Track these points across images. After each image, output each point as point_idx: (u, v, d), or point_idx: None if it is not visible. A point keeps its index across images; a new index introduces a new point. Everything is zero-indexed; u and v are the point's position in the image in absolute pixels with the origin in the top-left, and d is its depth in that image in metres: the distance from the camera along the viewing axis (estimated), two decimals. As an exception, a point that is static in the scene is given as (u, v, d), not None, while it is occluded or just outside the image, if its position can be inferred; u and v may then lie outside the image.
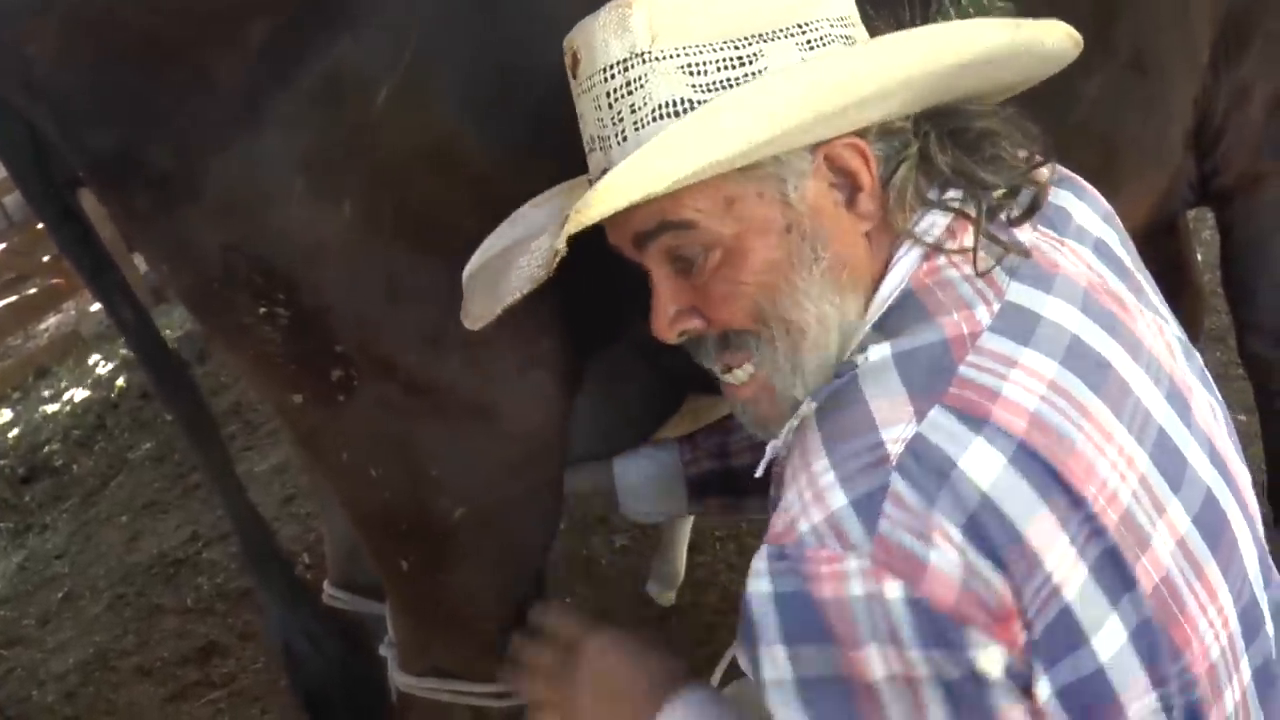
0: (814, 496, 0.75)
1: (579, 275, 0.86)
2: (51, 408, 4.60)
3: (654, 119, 0.81)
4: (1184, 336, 0.96)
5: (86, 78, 0.95)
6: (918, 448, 0.73)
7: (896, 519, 0.72)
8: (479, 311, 0.90)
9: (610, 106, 0.83)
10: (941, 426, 0.74)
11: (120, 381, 4.59)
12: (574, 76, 0.86)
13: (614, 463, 1.34)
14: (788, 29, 0.82)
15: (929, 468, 0.73)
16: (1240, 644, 0.82)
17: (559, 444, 1.17)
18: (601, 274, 0.93)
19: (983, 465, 0.72)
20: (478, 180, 1.00)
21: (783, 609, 0.75)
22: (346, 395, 1.05)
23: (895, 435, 0.74)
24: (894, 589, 0.71)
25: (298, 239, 0.98)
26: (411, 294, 1.01)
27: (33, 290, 5.17)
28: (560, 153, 0.95)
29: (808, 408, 0.83)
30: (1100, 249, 0.93)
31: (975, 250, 0.82)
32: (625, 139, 0.82)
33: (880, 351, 0.80)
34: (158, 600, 2.98)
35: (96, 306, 3.88)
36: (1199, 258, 2.17)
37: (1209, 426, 0.88)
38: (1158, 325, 0.91)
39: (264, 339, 1.02)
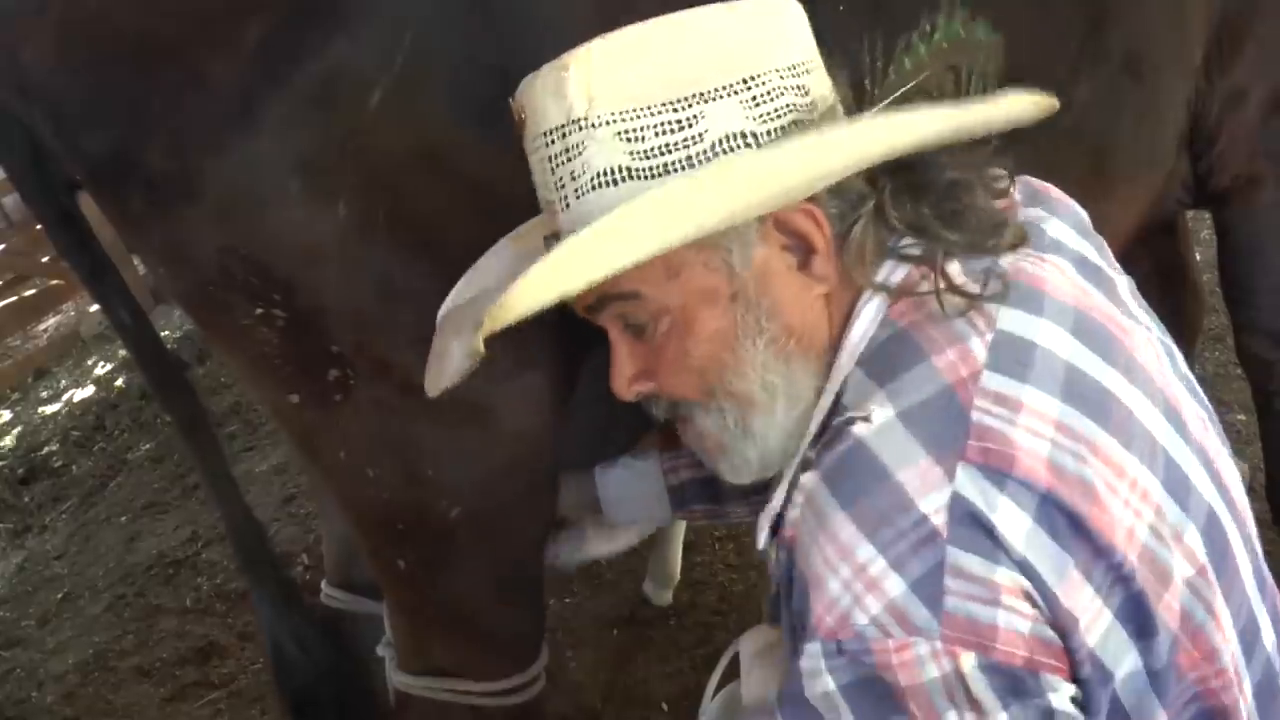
0: (866, 586, 0.72)
1: None
2: (51, 408, 4.60)
3: (592, 188, 0.79)
4: (1167, 337, 0.95)
5: (81, 80, 0.95)
6: (959, 511, 0.71)
7: (961, 591, 0.70)
8: (430, 381, 0.89)
9: (553, 172, 0.80)
10: (970, 486, 0.72)
11: (119, 382, 4.59)
12: (522, 136, 0.84)
13: (595, 475, 1.33)
14: (732, 85, 0.78)
15: (979, 532, 0.71)
16: (1241, 662, 0.82)
17: (552, 443, 1.17)
18: None
19: (1014, 526, 0.71)
20: (472, 182, 1.00)
21: (851, 698, 0.74)
22: (343, 396, 1.05)
23: (934, 504, 0.72)
24: (969, 660, 0.70)
25: (294, 240, 0.98)
26: (406, 295, 1.02)
27: (32, 291, 5.17)
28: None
29: (811, 480, 0.79)
30: (1081, 264, 0.91)
31: (939, 294, 0.80)
32: (568, 206, 0.80)
33: (884, 414, 0.76)
34: (157, 601, 2.97)
35: (96, 307, 3.89)
36: (1198, 258, 2.17)
37: (1202, 438, 0.87)
38: (1145, 335, 0.89)
39: (261, 340, 1.02)
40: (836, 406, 0.82)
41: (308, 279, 1.00)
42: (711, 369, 0.84)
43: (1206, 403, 0.94)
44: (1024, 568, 0.71)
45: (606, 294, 0.82)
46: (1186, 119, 1.49)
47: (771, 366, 0.83)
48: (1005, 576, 0.70)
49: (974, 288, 0.80)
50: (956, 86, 0.85)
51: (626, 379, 0.88)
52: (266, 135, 0.94)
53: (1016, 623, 0.71)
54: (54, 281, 5.12)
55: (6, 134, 1.02)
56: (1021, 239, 0.86)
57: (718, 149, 0.78)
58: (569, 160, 0.79)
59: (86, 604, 3.07)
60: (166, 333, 4.61)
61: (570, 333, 1.11)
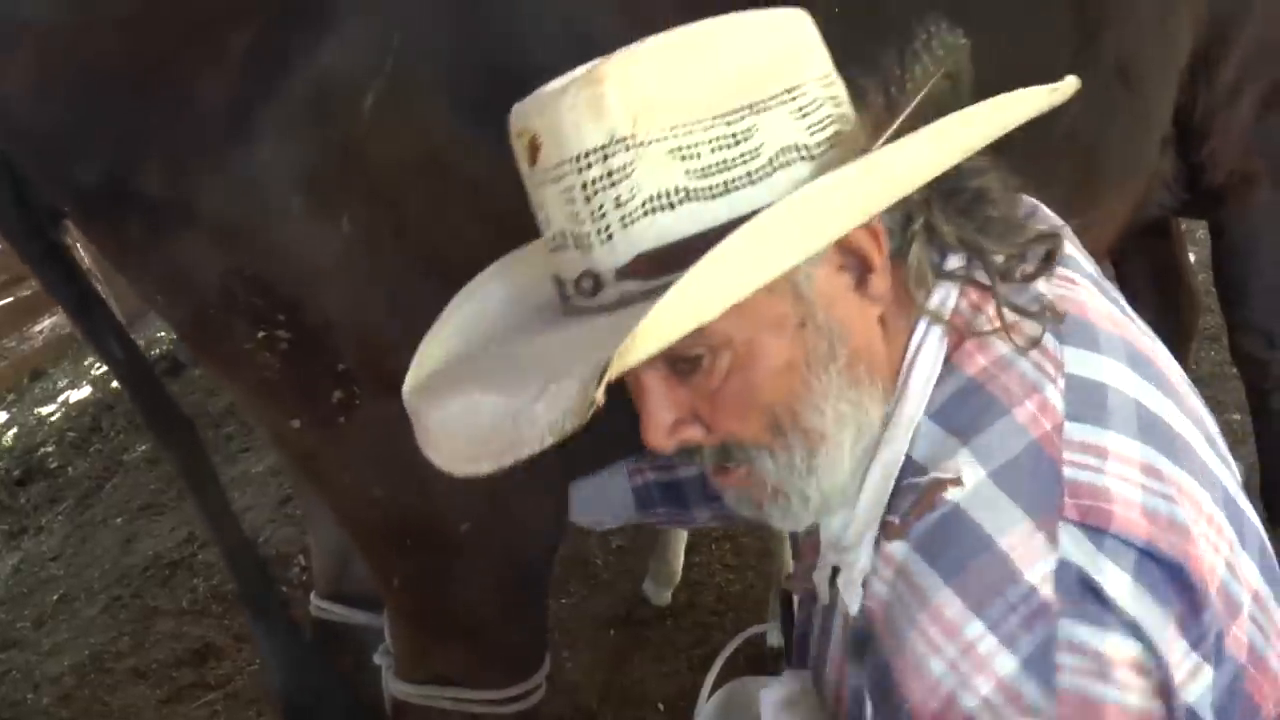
0: (975, 666, 0.69)
1: None
2: (47, 409, 4.59)
3: (645, 212, 0.70)
4: None
5: (65, 109, 0.92)
6: (1068, 579, 0.69)
7: (1074, 667, 0.68)
8: (465, 457, 0.76)
9: (588, 200, 0.71)
10: (1074, 548, 0.70)
11: (115, 383, 4.57)
12: (531, 164, 0.74)
13: None
14: (777, 96, 0.72)
15: (1088, 596, 0.69)
16: None
17: (564, 453, 1.16)
18: None
19: (1119, 586, 0.69)
20: (473, 186, 0.98)
21: None
22: (347, 416, 1.03)
23: (1041, 573, 0.69)
24: None
25: (299, 257, 0.96)
26: (414, 305, 0.98)
27: (28, 292, 5.15)
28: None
29: (902, 550, 0.76)
30: (1098, 282, 0.89)
31: (1004, 323, 0.77)
32: (610, 236, 0.71)
33: (974, 475, 0.73)
34: (153, 602, 2.97)
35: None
36: (1193, 258, 2.18)
37: (1228, 455, 0.85)
38: (1166, 352, 0.86)
39: (262, 365, 1.00)
40: (909, 464, 0.78)
41: (313, 294, 0.98)
42: (781, 404, 0.76)
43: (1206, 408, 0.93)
44: (1134, 630, 0.69)
45: None
46: (1172, 122, 1.50)
47: (845, 395, 0.77)
48: (1114, 646, 0.68)
49: (1032, 325, 0.78)
50: (954, 94, 0.81)
51: (666, 427, 0.78)
52: (263, 148, 0.92)
53: (1128, 699, 0.68)
54: (49, 282, 5.09)
55: None
56: (1054, 254, 0.82)
57: (776, 162, 0.72)
58: (613, 185, 0.70)
59: (83, 605, 3.06)
60: (163, 334, 4.60)
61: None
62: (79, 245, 1.13)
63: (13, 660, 2.90)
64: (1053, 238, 0.82)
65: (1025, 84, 0.84)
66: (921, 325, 0.80)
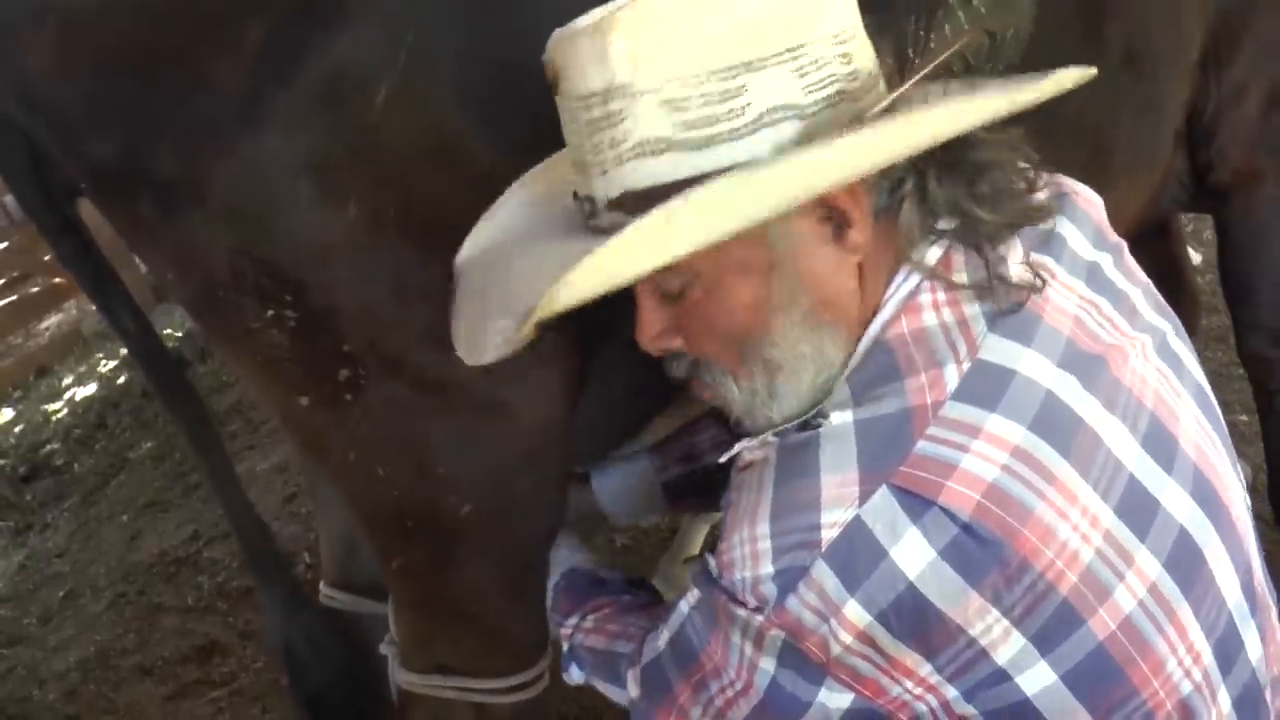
0: (751, 555, 0.82)
1: None
2: (52, 406, 4.60)
3: (634, 155, 0.77)
4: (1182, 341, 0.95)
5: (85, 88, 0.94)
6: (854, 534, 0.78)
7: (805, 600, 0.80)
8: (464, 350, 0.89)
9: (590, 136, 0.79)
10: (882, 512, 0.77)
11: (121, 380, 4.58)
12: (555, 91, 0.82)
13: (592, 486, 1.36)
14: (778, 54, 0.76)
15: (861, 554, 0.78)
16: (1216, 676, 0.84)
17: (564, 439, 1.17)
18: None
19: (912, 557, 0.77)
20: (480, 178, 0.99)
21: (700, 606, 0.92)
22: (354, 395, 1.05)
23: (834, 519, 0.78)
24: (776, 634, 0.83)
25: (306, 240, 0.98)
26: (419, 292, 1.02)
27: (34, 289, 5.15)
28: (562, 147, 0.95)
29: (768, 447, 0.86)
30: (1094, 276, 0.91)
31: (993, 286, 0.82)
32: (606, 171, 0.79)
33: (843, 417, 0.81)
34: (158, 599, 2.98)
35: (97, 306, 3.82)
36: (1199, 258, 2.17)
37: (1198, 454, 0.87)
38: (1142, 349, 0.89)
39: (271, 343, 1.02)
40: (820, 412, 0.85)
41: (320, 278, 1.00)
42: (745, 337, 0.85)
43: (1216, 410, 0.94)
44: (904, 595, 0.77)
45: None
46: (1184, 115, 1.49)
47: (805, 338, 0.85)
48: (852, 609, 0.78)
49: (969, 305, 0.83)
50: (992, 50, 0.85)
51: (653, 335, 0.89)
52: (274, 135, 0.94)
53: (832, 643, 0.80)
54: (56, 280, 5.09)
55: (7, 142, 1.01)
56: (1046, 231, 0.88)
57: (763, 120, 0.76)
58: (610, 126, 0.77)
59: (88, 602, 3.07)
60: (168, 331, 4.61)
61: (582, 325, 1.12)
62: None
63: (18, 656, 2.91)
64: (1045, 213, 0.88)
65: (1028, 68, 0.85)
66: (903, 272, 0.85)
